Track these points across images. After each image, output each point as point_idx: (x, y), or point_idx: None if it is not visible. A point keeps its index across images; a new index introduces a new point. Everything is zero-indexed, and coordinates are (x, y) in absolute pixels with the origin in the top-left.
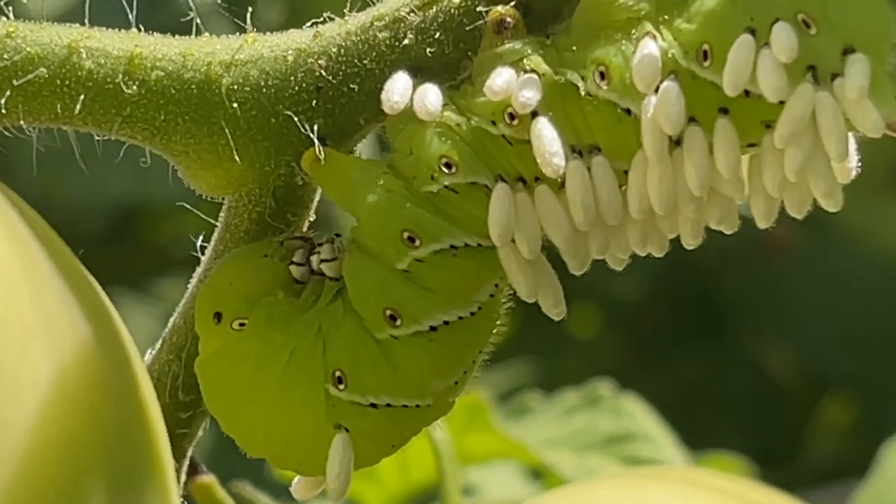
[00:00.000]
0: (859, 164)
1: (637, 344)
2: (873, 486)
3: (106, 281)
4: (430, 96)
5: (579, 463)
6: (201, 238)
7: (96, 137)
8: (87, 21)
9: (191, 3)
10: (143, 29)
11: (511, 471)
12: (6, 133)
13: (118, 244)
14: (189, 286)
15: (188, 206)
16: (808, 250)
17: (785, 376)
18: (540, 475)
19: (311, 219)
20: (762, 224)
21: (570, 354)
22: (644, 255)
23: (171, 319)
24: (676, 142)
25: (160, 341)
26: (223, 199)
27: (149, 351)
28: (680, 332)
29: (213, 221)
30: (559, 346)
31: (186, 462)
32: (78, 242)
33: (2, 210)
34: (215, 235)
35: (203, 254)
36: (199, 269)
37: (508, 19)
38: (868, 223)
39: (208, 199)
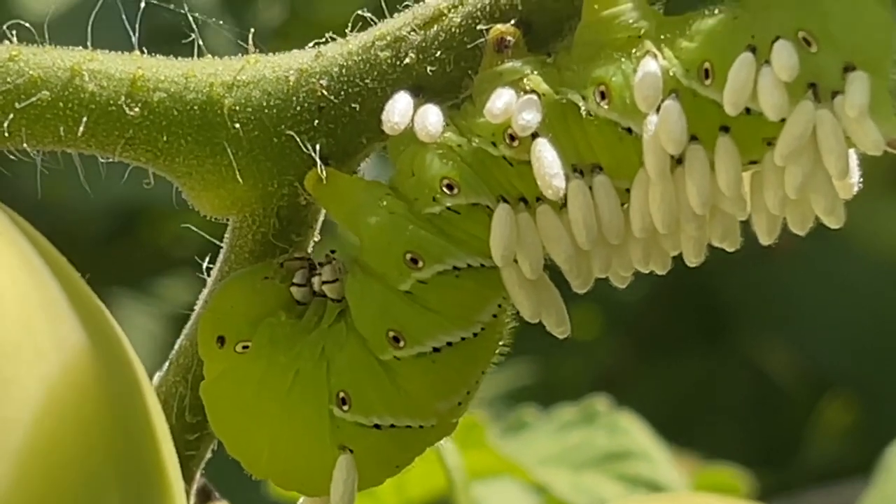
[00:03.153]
0: (860, 172)
1: (637, 345)
2: (880, 490)
3: (106, 281)
4: (431, 117)
5: (575, 481)
6: (207, 260)
7: None
8: (89, 43)
9: (192, 22)
10: (143, 45)
11: (514, 485)
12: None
13: (118, 244)
14: (196, 304)
15: (194, 228)
16: (808, 251)
17: (785, 376)
18: (542, 490)
19: (316, 239)
20: (765, 241)
21: (570, 355)
22: (647, 272)
23: (178, 342)
24: (678, 160)
25: (167, 363)
26: (227, 219)
27: (157, 374)
28: (680, 332)
29: (217, 243)
30: (559, 347)
31: (195, 485)
32: (78, 242)
33: (8, 232)
34: (220, 257)
35: (209, 275)
36: (204, 291)
37: (509, 38)
38: (868, 224)
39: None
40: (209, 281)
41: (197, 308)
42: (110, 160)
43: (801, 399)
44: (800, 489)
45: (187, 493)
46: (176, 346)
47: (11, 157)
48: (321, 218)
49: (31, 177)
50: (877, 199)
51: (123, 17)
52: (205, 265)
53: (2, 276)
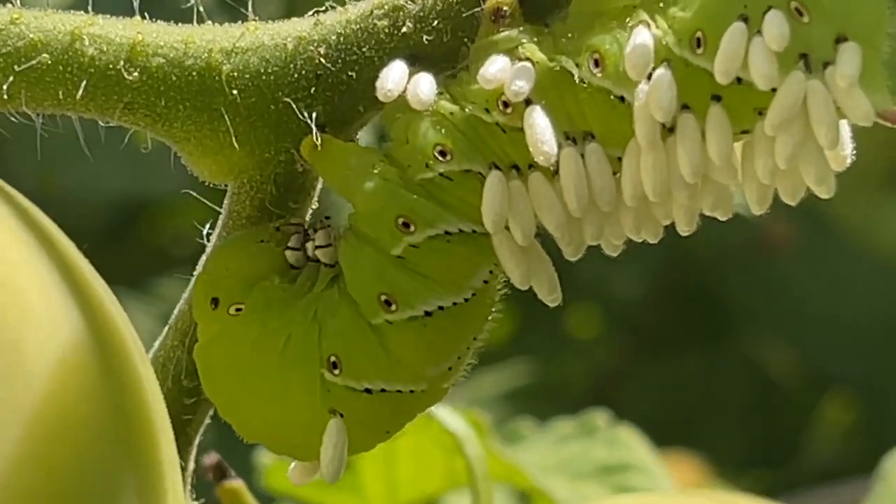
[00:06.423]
0: (855, 156)
1: (637, 343)
2: (882, 495)
3: (106, 280)
4: (423, 85)
5: (573, 490)
6: (207, 226)
7: (98, 132)
8: (90, 10)
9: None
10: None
11: (500, 496)
12: (5, 130)
13: (118, 242)
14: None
15: (194, 194)
16: (808, 250)
17: (785, 376)
18: (529, 500)
19: (314, 206)
20: (756, 210)
21: (570, 354)
22: (639, 241)
23: (178, 305)
24: (670, 129)
25: (166, 328)
26: (226, 187)
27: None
28: (680, 331)
29: (217, 208)
30: (559, 346)
31: (193, 449)
32: (77, 241)
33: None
34: (219, 222)
35: (208, 241)
36: (203, 257)
37: (506, 8)
38: (867, 223)
39: (212, 186)
40: (208, 247)
41: (196, 273)
42: (110, 159)
43: (802, 398)
44: (800, 489)
45: (186, 458)
46: (175, 311)
47: (10, 155)
48: (319, 185)
49: (30, 174)
50: (876, 199)
51: None
52: (205, 231)
53: None
